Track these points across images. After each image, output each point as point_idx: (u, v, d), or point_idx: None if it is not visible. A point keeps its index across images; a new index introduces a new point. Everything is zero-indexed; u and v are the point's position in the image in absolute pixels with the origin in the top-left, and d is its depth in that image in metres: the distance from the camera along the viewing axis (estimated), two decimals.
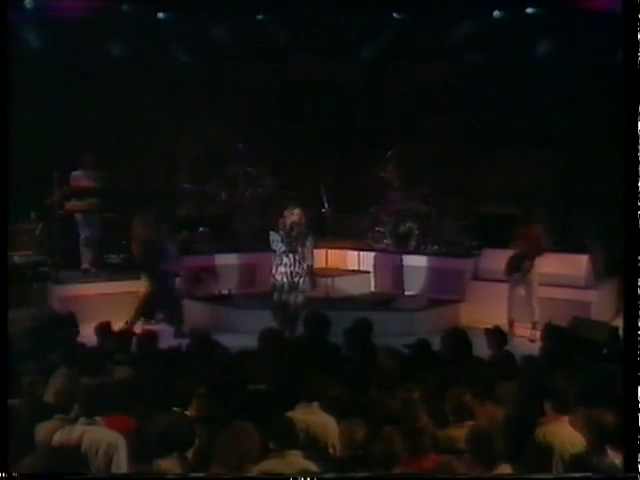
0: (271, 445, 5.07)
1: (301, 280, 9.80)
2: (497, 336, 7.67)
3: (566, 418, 5.51)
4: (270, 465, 4.95)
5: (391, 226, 12.93)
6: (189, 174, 14.01)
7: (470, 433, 5.13)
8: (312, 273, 9.94)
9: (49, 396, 6.12)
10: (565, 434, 5.41)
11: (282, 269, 9.78)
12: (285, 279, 9.79)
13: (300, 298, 9.86)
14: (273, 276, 9.89)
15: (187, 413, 5.74)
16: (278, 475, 4.88)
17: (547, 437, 5.39)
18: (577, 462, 5.25)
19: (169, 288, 10.69)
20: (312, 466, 4.99)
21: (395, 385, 6.26)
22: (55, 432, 5.39)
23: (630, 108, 5.23)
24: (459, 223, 12.86)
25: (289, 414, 5.56)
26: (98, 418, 5.39)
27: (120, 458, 5.20)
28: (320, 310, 8.64)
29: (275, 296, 9.89)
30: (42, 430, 5.48)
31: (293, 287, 9.82)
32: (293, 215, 9.78)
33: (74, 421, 5.47)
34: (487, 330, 7.88)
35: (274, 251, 9.82)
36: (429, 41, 12.75)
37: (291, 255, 9.76)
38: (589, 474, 4.94)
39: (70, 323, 8.18)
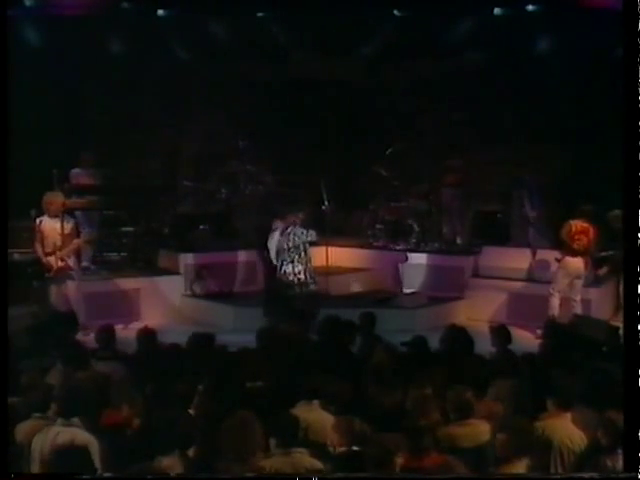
0: (275, 443, 5.05)
1: (307, 277, 9.93)
2: (501, 334, 7.65)
3: (568, 415, 5.51)
4: (275, 463, 4.93)
5: (391, 223, 12.92)
6: (189, 172, 13.99)
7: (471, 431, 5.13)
8: (311, 271, 10.06)
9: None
10: (565, 430, 5.41)
11: (287, 268, 9.95)
12: (292, 278, 9.96)
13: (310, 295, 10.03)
14: (279, 275, 10.04)
15: (188, 411, 5.73)
16: (283, 474, 4.87)
17: (546, 432, 5.39)
18: (576, 459, 5.26)
19: None
20: (317, 464, 4.98)
21: (395, 383, 6.26)
22: (33, 431, 5.33)
23: (630, 105, 5.23)
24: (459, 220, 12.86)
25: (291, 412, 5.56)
26: (75, 419, 5.28)
27: (94, 459, 5.07)
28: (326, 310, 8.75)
29: (285, 294, 10.02)
30: (21, 430, 5.41)
31: (300, 285, 9.96)
32: (290, 217, 10.01)
33: (53, 420, 5.42)
34: (491, 328, 7.87)
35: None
36: (429, 39, 12.73)
37: (294, 255, 9.93)
38: (588, 474, 4.94)
39: (70, 321, 8.19)
